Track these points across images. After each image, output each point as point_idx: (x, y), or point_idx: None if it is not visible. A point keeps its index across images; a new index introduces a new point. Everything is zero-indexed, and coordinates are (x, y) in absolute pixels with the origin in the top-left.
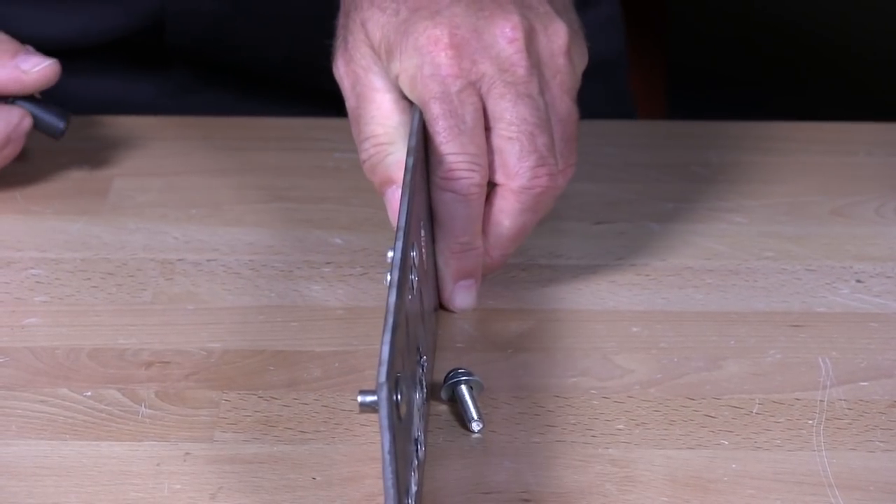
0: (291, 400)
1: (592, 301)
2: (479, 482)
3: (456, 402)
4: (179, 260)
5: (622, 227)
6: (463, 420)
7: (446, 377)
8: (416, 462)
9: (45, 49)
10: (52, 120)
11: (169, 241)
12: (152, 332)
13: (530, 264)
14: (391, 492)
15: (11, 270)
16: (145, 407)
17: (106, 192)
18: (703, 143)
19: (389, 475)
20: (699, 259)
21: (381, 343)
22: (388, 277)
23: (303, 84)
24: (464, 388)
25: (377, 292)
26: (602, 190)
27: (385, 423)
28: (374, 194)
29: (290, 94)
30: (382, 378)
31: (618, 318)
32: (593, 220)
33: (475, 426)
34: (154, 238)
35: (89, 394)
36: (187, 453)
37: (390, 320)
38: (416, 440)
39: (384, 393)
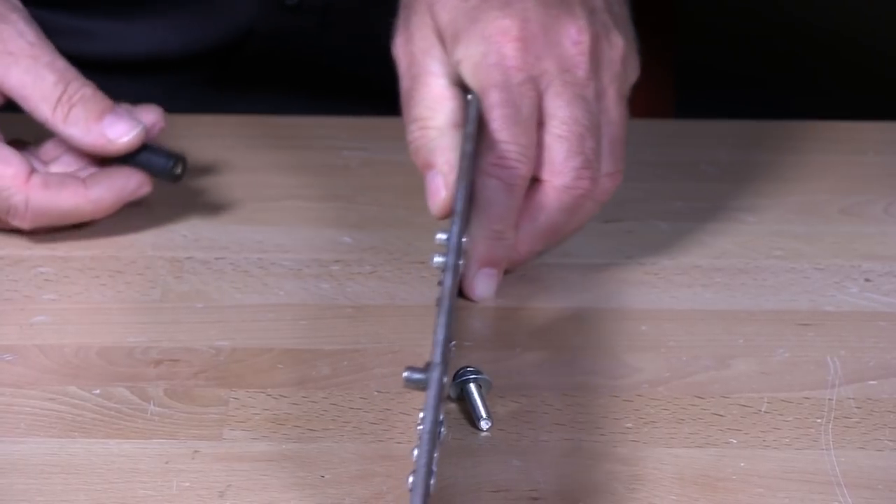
0: (300, 398)
1: (601, 299)
2: (487, 480)
3: (464, 400)
4: (188, 258)
5: (631, 225)
6: (471, 418)
7: (455, 375)
8: (438, 443)
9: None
10: (164, 167)
11: (178, 238)
12: (161, 330)
13: (539, 263)
14: (422, 470)
15: (20, 268)
16: (154, 405)
17: None
18: (712, 142)
19: (425, 454)
20: (708, 258)
21: (437, 325)
22: (437, 259)
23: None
24: (472, 386)
25: (386, 290)
26: None
27: (432, 402)
28: (383, 192)
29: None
30: (438, 359)
31: (626, 316)
32: (602, 219)
33: (484, 424)
34: (163, 236)
35: (98, 392)
36: (196, 451)
37: (446, 303)
38: (441, 422)
39: (437, 373)
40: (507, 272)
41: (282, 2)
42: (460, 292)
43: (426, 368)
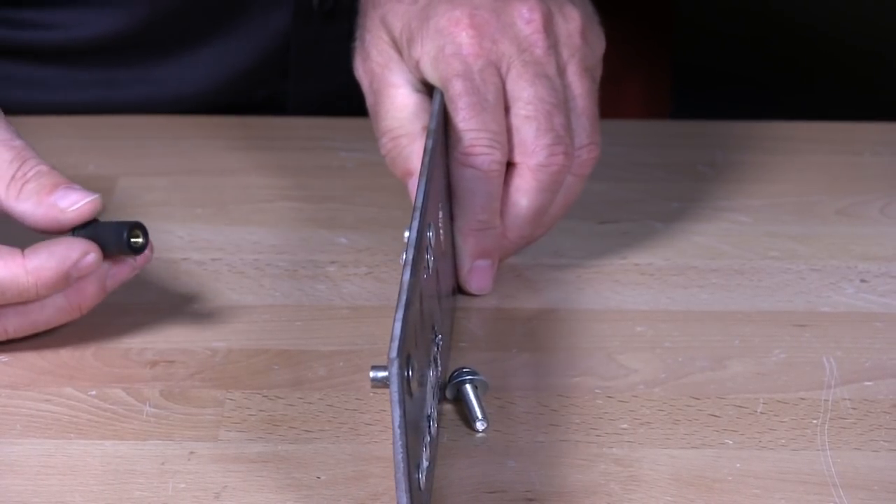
0: (296, 399)
1: (596, 300)
2: (483, 481)
3: (461, 401)
4: (184, 259)
5: (626, 226)
6: (467, 419)
7: (451, 376)
8: (429, 438)
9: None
10: (117, 235)
11: (174, 240)
12: (157, 332)
13: (534, 264)
14: (401, 465)
15: None
16: (150, 406)
17: (111, 191)
18: (708, 143)
19: (399, 449)
20: (704, 258)
21: (394, 320)
22: (404, 256)
23: None
24: (468, 387)
25: (382, 291)
26: (606, 189)
27: (395, 397)
28: (379, 193)
29: None
30: (394, 354)
31: (622, 317)
32: (598, 220)
33: (479, 425)
34: (159, 237)
35: (94, 393)
36: (192, 452)
37: (403, 298)
38: (429, 416)
39: (395, 368)
40: (500, 261)
41: (315, 10)
42: (460, 289)
43: (388, 365)
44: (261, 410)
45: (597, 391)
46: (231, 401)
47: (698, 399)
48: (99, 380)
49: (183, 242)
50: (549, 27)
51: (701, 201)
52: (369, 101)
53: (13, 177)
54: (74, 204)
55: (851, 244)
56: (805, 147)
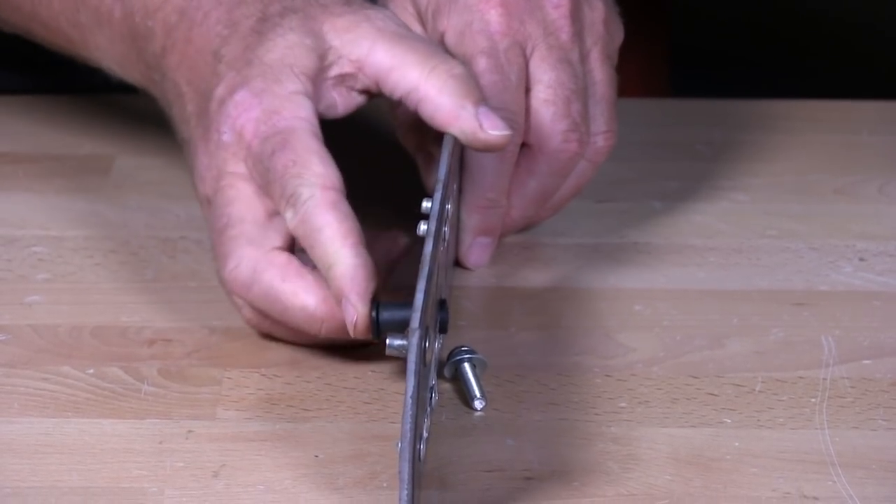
0: (294, 378)
1: (595, 279)
2: (481, 460)
3: (459, 380)
4: (182, 238)
5: (625, 205)
6: (466, 398)
7: (450, 355)
8: (430, 409)
9: None
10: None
11: (171, 218)
12: (155, 310)
13: (533, 242)
14: (408, 435)
15: (14, 248)
16: (148, 384)
17: (108, 170)
18: (706, 122)
19: (409, 419)
20: (702, 237)
21: (416, 290)
22: (423, 227)
23: None
24: (467, 366)
25: None
26: (605, 168)
27: (412, 367)
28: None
29: None
30: (415, 324)
31: (620, 296)
32: (596, 199)
33: (478, 404)
34: (156, 216)
35: (92, 371)
36: (189, 431)
37: (425, 269)
38: (432, 388)
39: (415, 339)
40: (501, 237)
41: None
42: (456, 261)
43: (406, 335)
44: (259, 389)
45: (595, 370)
46: (229, 379)
47: (697, 378)
48: (97, 358)
49: (180, 221)
50: (575, 14)
51: (699, 180)
52: None
53: (436, 67)
54: (496, 130)
55: (850, 223)
56: (803, 126)
